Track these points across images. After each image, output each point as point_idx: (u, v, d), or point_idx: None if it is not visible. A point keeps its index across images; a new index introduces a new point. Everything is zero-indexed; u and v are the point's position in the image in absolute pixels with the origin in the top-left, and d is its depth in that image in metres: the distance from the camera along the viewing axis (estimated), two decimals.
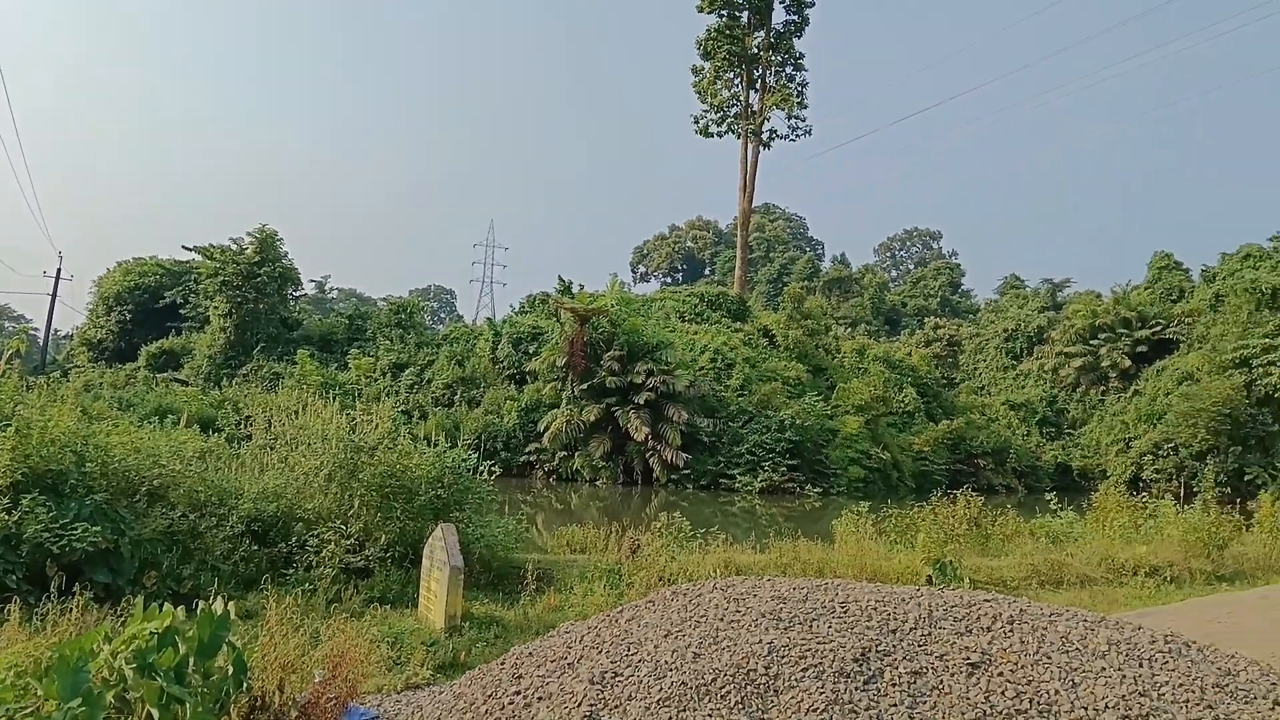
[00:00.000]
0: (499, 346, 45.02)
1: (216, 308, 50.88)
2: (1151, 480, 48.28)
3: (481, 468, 13.39)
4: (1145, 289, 67.88)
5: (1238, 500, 33.72)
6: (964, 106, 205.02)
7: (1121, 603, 12.36)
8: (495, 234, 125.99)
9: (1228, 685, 3.66)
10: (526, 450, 39.15)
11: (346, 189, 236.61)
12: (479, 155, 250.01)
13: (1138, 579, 14.08)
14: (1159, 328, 58.93)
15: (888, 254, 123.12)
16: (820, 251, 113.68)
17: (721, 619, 4.70)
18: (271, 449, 13.19)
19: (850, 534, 14.54)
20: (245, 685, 5.90)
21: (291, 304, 57.04)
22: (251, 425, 14.78)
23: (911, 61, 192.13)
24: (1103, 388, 60.09)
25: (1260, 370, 45.85)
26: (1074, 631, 4.07)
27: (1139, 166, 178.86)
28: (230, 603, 5.82)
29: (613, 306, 40.89)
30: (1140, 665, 3.79)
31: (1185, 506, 18.34)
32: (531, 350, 43.31)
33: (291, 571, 10.91)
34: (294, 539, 11.24)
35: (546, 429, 38.10)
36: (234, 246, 51.72)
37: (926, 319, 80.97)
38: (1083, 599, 12.63)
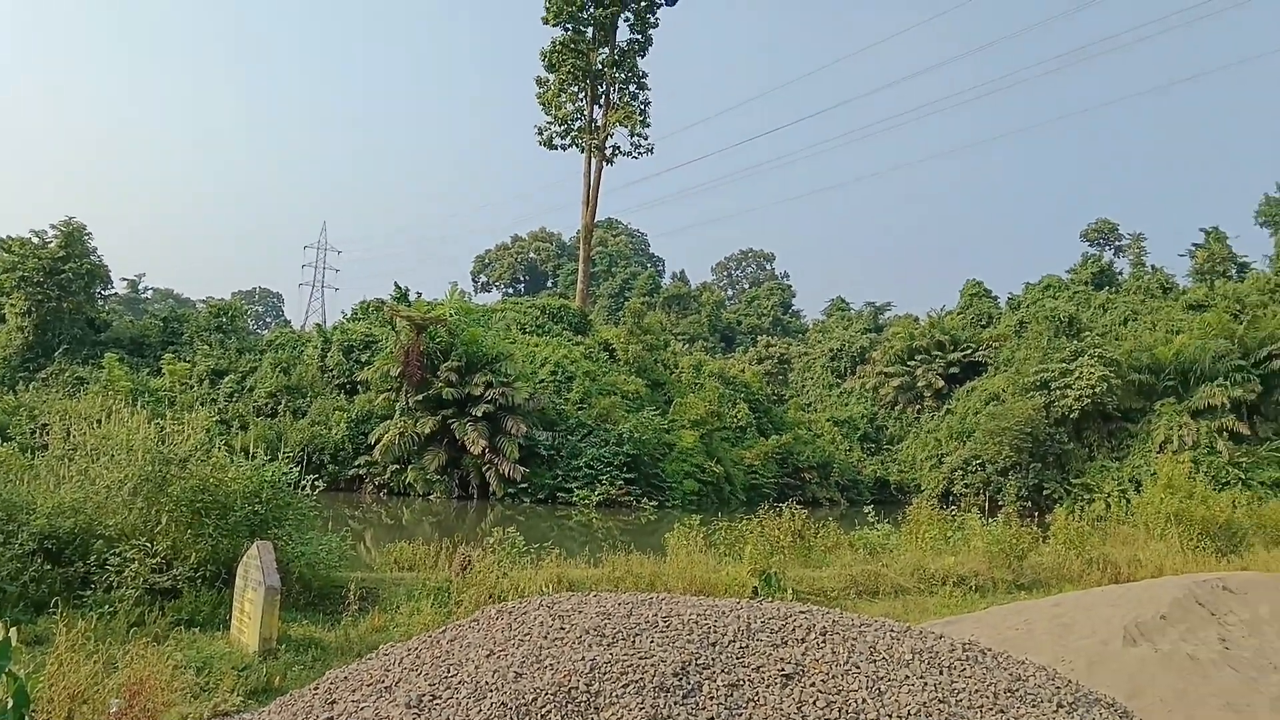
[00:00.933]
0: (329, 354, 43.36)
1: (13, 305, 46.75)
2: (961, 494, 51.52)
3: (305, 482, 12.88)
4: (958, 314, 72.70)
5: (1036, 513, 36.54)
6: (799, 134, 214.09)
7: (932, 611, 13.09)
8: (328, 236, 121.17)
9: (1018, 690, 3.92)
10: (356, 463, 37.86)
11: (166, 180, 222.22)
12: (314, 151, 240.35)
13: (947, 588, 14.94)
14: (969, 351, 63.14)
15: (725, 273, 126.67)
16: (661, 268, 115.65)
17: (545, 637, 4.65)
18: (70, 460, 12.24)
19: (681, 547, 14.78)
20: (27, 719, 5.41)
21: (100, 303, 53.12)
22: (48, 434, 13.69)
23: (751, 88, 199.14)
24: (919, 406, 63.78)
25: (1057, 393, 49.83)
26: (881, 641, 4.26)
27: (956, 196, 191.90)
28: (14, 628, 5.33)
29: (452, 315, 40.19)
30: (940, 673, 4.01)
31: (990, 520, 19.60)
32: (364, 359, 41.94)
33: (89, 593, 10.13)
34: (93, 558, 10.45)
35: (378, 441, 36.96)
36: (35, 239, 47.69)
37: (759, 337, 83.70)
38: (896, 608, 13.30)
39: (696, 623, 4.58)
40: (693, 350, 69.04)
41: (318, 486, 13.37)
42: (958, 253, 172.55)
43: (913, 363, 63.47)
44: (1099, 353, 49.81)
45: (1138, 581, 12.16)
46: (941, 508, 22.99)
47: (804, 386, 75.98)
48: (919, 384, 62.74)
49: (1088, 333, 56.77)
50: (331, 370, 42.74)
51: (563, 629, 4.71)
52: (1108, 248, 76.15)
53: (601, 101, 56.48)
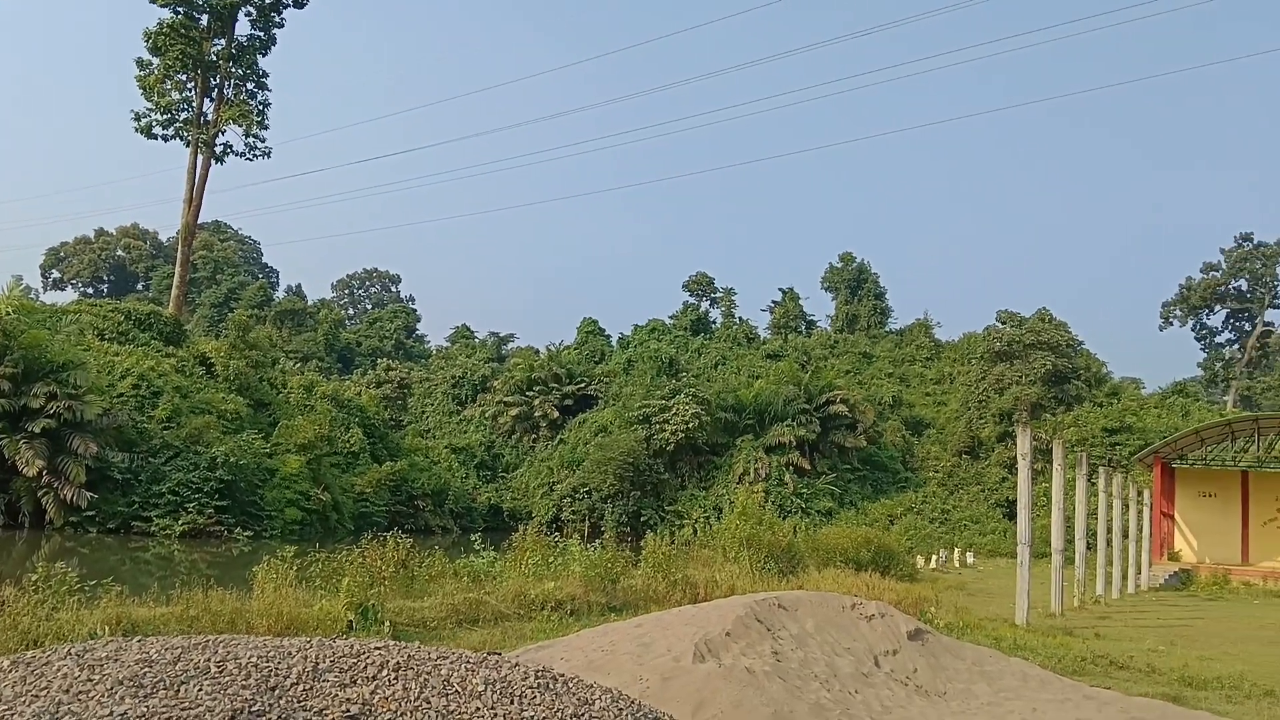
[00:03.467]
0: None
1: None
2: (569, 520, 53.74)
3: None
4: (574, 349, 76.24)
5: (633, 538, 38.99)
6: (432, 158, 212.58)
7: (528, 636, 13.27)
8: None
9: (584, 714, 3.99)
10: None
11: None
12: None
13: (545, 613, 15.27)
14: (583, 384, 66.43)
15: (346, 291, 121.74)
16: (275, 280, 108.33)
17: (67, 691, 3.94)
18: None
19: (270, 581, 13.66)
20: None
21: None
22: None
23: (387, 106, 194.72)
24: (534, 435, 65.76)
25: (657, 427, 53.92)
26: (455, 674, 4.14)
27: (577, 236, 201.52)
28: None
29: (9, 314, 34.38)
30: (511, 702, 3.97)
31: (591, 545, 20.45)
32: None
33: None
34: None
35: None
36: None
37: (380, 360, 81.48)
38: (495, 635, 13.33)
39: (256, 666, 4.13)
40: (305, 370, 65.31)
41: None
42: (576, 291, 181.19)
43: (531, 393, 65.39)
44: (693, 392, 54.76)
45: (711, 601, 13.27)
46: (550, 534, 23.68)
47: (424, 413, 75.15)
48: (536, 414, 64.72)
49: (685, 373, 62.34)
50: None
51: (91, 680, 4.02)
52: (704, 298, 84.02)
53: (214, 95, 51.91)
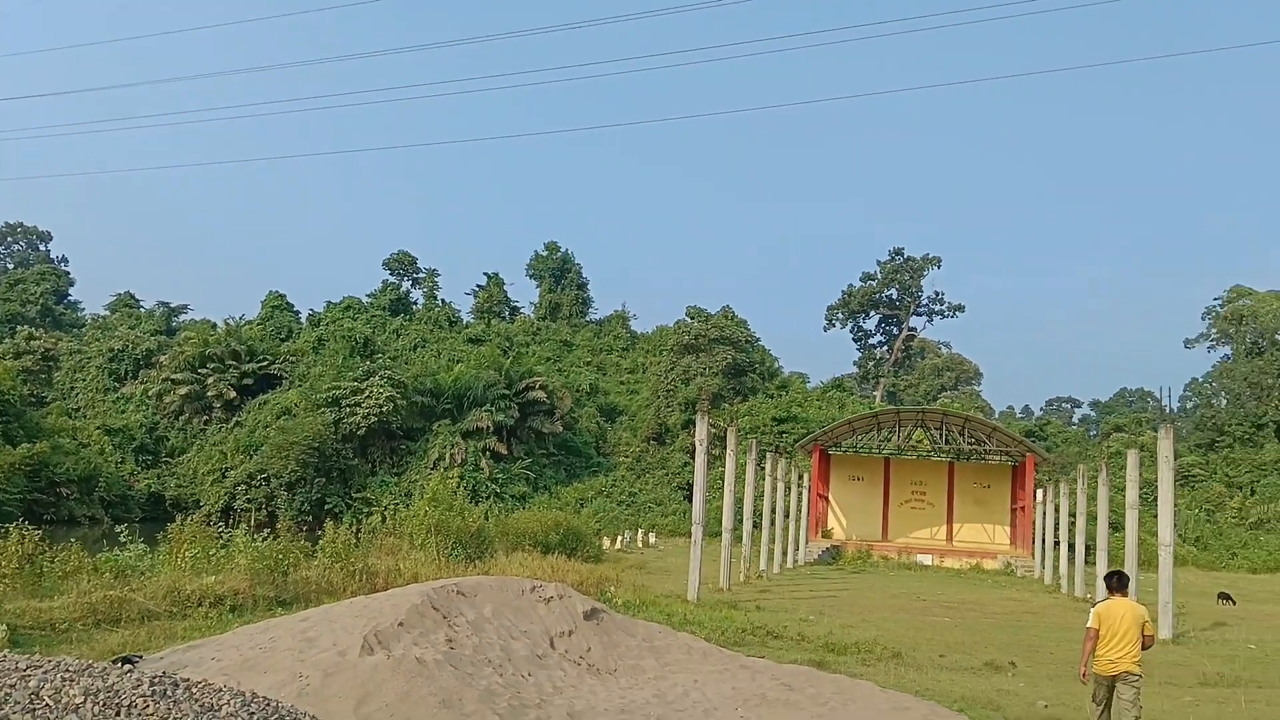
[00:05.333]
0: None
1: None
2: (243, 509, 50.02)
3: None
4: (258, 325, 71.17)
5: (313, 527, 36.98)
6: (97, 103, 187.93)
7: (179, 636, 12.07)
8: None
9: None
10: None
11: None
12: None
13: (202, 610, 13.98)
14: (266, 363, 62.04)
15: None
16: None
17: None
18: None
19: None
20: None
21: None
22: None
23: (37, 35, 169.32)
24: (206, 417, 60.51)
25: (348, 410, 51.56)
26: (47, 685, 3.54)
27: (265, 203, 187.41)
28: None
29: None
30: (118, 714, 3.46)
31: (266, 535, 18.99)
32: None
33: None
34: None
35: None
36: None
37: (21, 327, 71.21)
38: (139, 636, 12.00)
39: None
40: None
41: None
42: (261, 262, 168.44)
43: (204, 371, 59.99)
44: (389, 374, 52.97)
45: (386, 591, 12.79)
46: (221, 523, 21.83)
47: (73, 389, 66.65)
48: (209, 394, 59.53)
49: (381, 355, 60.12)
50: None
51: None
52: (406, 278, 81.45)
53: None
